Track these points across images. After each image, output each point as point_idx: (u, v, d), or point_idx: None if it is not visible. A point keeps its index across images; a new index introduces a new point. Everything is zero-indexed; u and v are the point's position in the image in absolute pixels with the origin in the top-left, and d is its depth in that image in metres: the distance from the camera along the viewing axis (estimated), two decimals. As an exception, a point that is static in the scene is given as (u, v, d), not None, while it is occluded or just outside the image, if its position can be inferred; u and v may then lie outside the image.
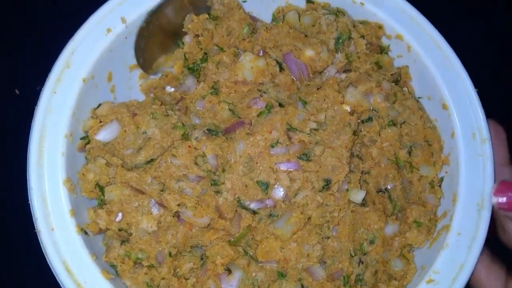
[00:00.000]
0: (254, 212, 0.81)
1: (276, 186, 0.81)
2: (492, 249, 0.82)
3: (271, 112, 0.83)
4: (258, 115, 0.84)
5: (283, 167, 0.81)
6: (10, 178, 0.78)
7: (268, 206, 0.81)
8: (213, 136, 0.83)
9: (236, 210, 0.82)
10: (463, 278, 0.79)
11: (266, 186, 0.81)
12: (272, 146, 0.81)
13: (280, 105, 0.84)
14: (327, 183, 0.81)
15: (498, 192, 0.79)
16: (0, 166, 1.04)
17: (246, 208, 0.81)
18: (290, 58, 0.88)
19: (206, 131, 0.83)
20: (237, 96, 0.87)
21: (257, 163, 0.81)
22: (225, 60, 0.88)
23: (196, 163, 0.82)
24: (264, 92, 0.85)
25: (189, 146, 0.82)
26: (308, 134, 0.82)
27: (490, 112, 0.87)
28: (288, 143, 0.81)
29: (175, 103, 0.90)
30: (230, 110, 0.86)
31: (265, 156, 0.81)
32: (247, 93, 0.87)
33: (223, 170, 0.81)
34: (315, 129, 0.82)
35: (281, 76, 0.88)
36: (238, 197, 0.81)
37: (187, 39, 0.92)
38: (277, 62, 0.88)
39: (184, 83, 0.90)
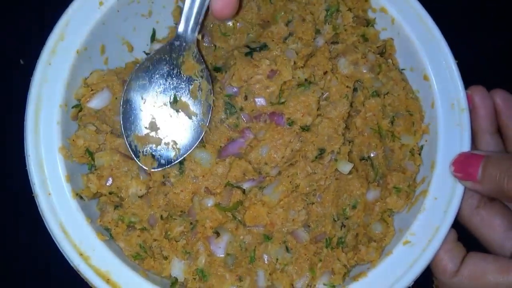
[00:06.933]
0: (245, 191, 0.84)
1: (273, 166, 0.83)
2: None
3: None
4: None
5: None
6: (18, 145, 0.81)
7: (260, 181, 0.84)
8: None
9: (225, 186, 0.84)
10: (438, 240, 0.82)
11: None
12: None
13: None
14: (321, 153, 0.84)
15: (455, 162, 0.84)
16: (6, 133, 1.06)
17: (237, 187, 0.84)
18: None
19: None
20: None
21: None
22: None
23: None
24: None
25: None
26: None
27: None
28: None
29: None
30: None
31: None
32: None
33: None
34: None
35: None
36: (227, 180, 0.83)
37: None
38: None
39: None
